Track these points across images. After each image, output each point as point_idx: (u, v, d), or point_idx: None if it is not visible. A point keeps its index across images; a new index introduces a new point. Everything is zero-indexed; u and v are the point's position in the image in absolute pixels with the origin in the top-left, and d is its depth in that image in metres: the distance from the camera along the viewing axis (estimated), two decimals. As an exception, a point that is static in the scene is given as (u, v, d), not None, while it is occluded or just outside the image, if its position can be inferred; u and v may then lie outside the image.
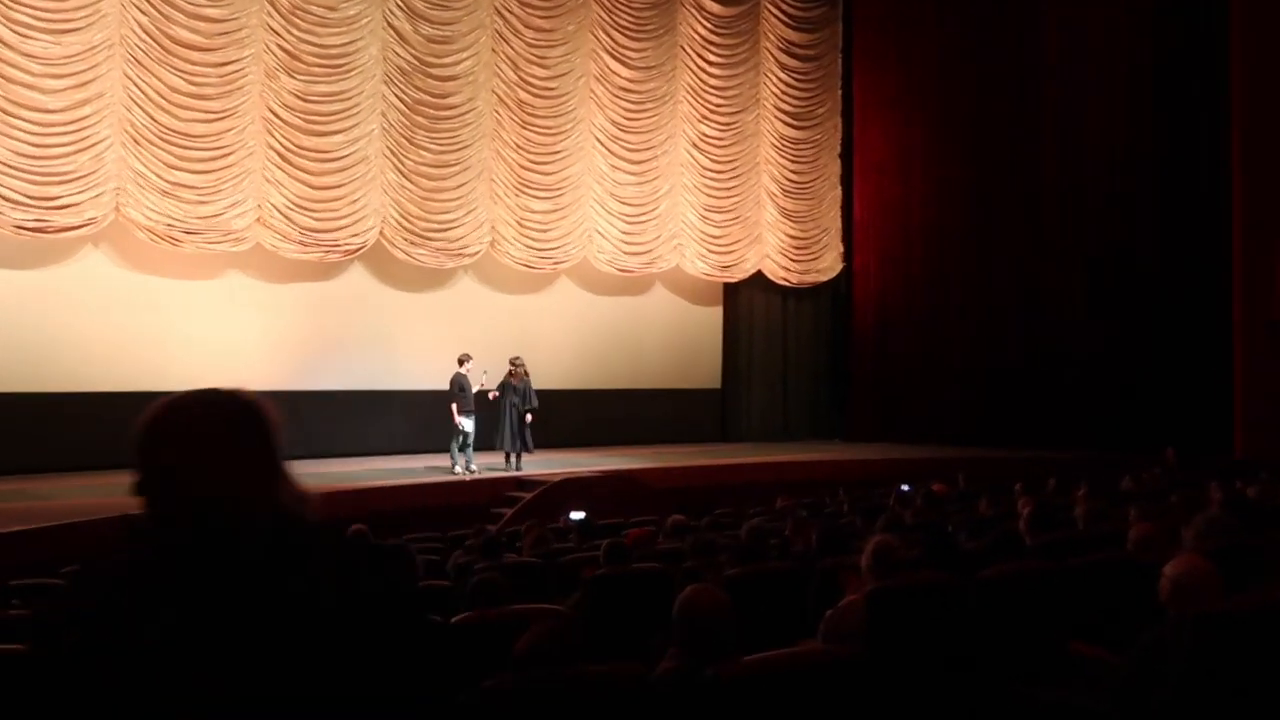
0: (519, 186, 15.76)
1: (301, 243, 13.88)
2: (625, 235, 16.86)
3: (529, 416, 13.28)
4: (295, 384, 14.29)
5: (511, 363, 13.53)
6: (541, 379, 15.56)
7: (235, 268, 13.93)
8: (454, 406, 12.87)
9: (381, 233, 14.48)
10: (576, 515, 8.83)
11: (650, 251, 17.13)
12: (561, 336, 16.74)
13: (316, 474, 12.62)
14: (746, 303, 18.76)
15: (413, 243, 14.80)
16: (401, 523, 9.46)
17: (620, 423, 16.97)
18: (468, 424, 12.82)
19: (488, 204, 15.42)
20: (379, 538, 6.69)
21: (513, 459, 13.33)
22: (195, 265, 13.56)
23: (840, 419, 19.36)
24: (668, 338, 17.99)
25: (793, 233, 18.71)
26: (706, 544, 5.89)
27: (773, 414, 19.04)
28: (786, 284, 18.75)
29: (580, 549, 6.82)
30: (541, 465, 13.49)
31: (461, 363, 13.10)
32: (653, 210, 17.16)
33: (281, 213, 13.63)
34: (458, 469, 12.85)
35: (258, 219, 13.45)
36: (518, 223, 15.75)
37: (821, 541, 5.62)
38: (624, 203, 16.85)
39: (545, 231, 16.05)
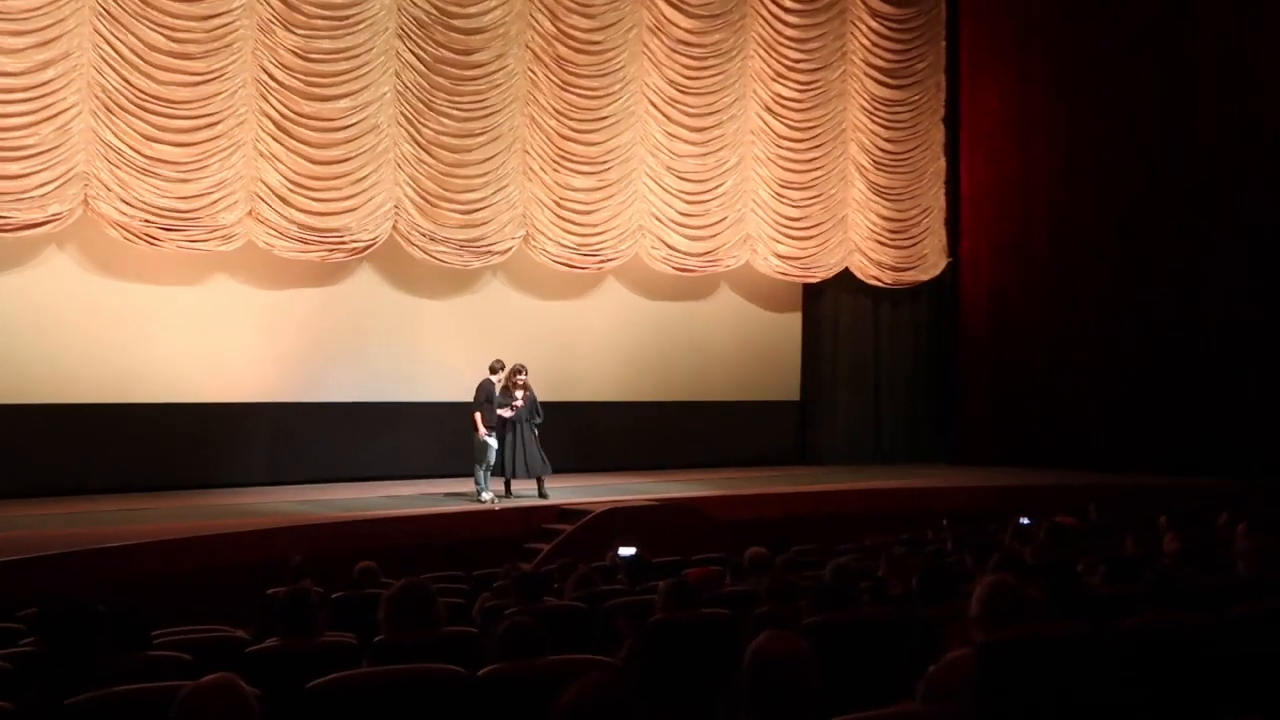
0: (557, 159, 15.82)
1: (301, 240, 13.99)
2: (684, 217, 16.87)
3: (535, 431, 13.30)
4: (295, 396, 14.47)
5: (515, 372, 13.25)
6: (586, 390, 15.60)
7: (224, 271, 14.09)
8: (478, 416, 12.95)
9: (395, 227, 14.57)
10: (626, 551, 8.85)
11: (715, 237, 17.10)
12: (608, 341, 16.79)
13: (322, 501, 12.79)
14: (831, 303, 18.71)
15: (432, 238, 14.86)
16: (420, 559, 9.54)
17: (678, 442, 16.99)
18: (493, 441, 12.90)
19: (520, 180, 15.49)
20: (392, 577, 6.76)
21: (512, 485, 13.38)
22: (178, 269, 13.73)
23: (945, 438, 19.23)
24: (736, 343, 17.95)
25: (886, 213, 18.61)
26: (784, 586, 5.88)
27: (862, 431, 18.96)
28: (879, 284, 18.67)
29: (631, 591, 6.84)
30: (585, 492, 13.54)
31: (494, 371, 13.18)
32: (717, 186, 17.16)
33: (277, 194, 13.76)
34: (485, 495, 12.93)
35: (249, 211, 13.57)
36: (555, 203, 15.81)
37: (923, 584, 5.59)
38: (683, 178, 16.86)
39: (589, 214, 16.09)
